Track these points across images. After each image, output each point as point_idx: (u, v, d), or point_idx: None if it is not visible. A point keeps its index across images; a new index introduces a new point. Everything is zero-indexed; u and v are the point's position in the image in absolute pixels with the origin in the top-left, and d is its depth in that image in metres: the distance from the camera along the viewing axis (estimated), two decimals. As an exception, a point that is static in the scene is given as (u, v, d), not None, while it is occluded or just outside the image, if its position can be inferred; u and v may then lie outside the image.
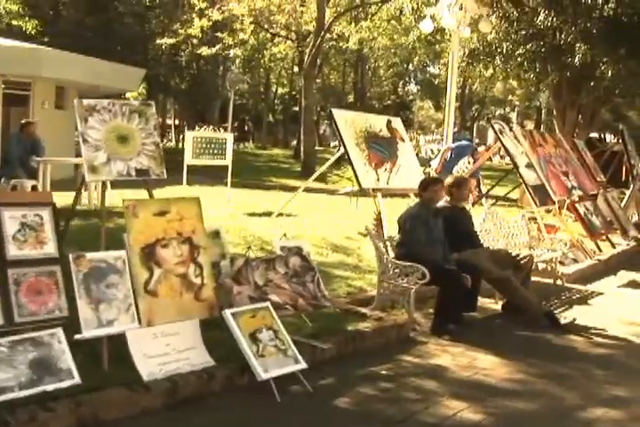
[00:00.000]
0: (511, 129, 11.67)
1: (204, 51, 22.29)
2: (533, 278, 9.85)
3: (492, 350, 6.74)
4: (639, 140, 15.61)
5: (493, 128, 11.16)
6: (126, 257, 5.48)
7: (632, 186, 15.62)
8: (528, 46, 14.31)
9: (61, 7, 28.15)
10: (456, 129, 16.94)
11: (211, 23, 21.00)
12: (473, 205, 16.36)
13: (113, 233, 6.21)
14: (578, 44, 13.47)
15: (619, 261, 12.00)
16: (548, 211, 14.95)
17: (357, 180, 9.68)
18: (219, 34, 22.93)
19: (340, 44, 28.06)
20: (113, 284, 5.26)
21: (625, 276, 11.07)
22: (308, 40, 29.84)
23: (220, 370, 5.40)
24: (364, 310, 7.30)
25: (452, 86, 13.04)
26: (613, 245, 12.73)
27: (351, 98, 43.83)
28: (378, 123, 10.77)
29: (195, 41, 25.37)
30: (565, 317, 8.07)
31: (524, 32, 14.29)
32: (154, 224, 5.81)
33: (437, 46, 19.31)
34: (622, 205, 15.82)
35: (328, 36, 26.75)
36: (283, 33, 28.50)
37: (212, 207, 13.43)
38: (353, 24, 24.91)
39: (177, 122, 54.07)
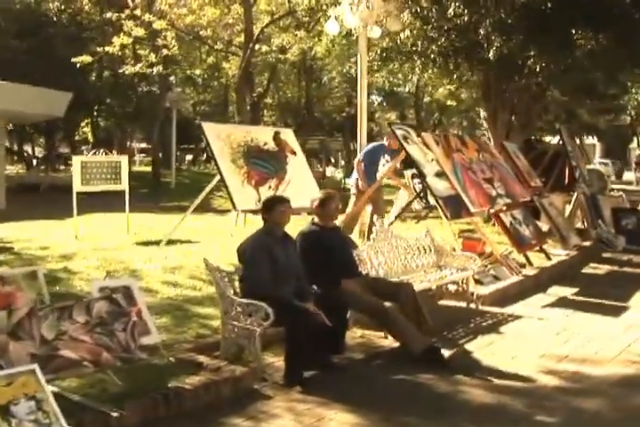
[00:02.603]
0: (419, 134, 10.44)
1: (127, 69, 21.05)
2: (446, 302, 8.80)
3: (350, 405, 5.45)
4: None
5: (395, 134, 9.94)
6: None
7: (577, 189, 14.45)
8: (439, 42, 13.12)
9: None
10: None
11: (131, 40, 19.85)
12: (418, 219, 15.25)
13: None
14: (493, 37, 12.33)
15: (552, 275, 10.73)
16: (487, 221, 13.83)
17: (231, 200, 8.43)
18: (140, 51, 21.80)
19: (280, 57, 26.92)
20: None
21: (556, 292, 9.81)
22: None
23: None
24: (201, 358, 6.03)
25: (363, 91, 11.83)
26: (549, 257, 11.49)
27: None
28: (262, 135, 9.57)
29: (134, 61, 24.21)
30: (452, 352, 6.75)
31: (437, 28, 13.13)
32: None
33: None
34: (569, 210, 14.70)
35: (267, 48, 25.75)
36: (217, 47, 27.41)
37: (105, 236, 12.30)
38: (290, 35, 23.75)
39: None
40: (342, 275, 6.78)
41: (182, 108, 36.49)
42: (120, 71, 21.93)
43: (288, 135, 9.98)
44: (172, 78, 40.87)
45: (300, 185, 9.44)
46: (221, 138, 8.94)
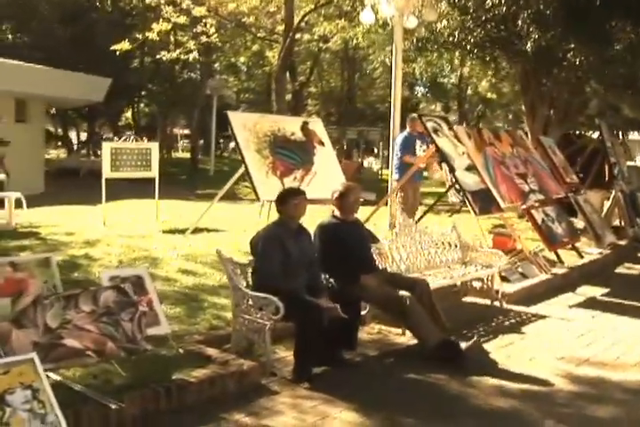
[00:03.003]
0: (451, 128, 10.23)
1: (164, 55, 21.05)
2: (470, 299, 8.63)
3: (356, 403, 5.32)
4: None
5: (425, 127, 9.75)
6: None
7: (615, 187, 14.10)
8: (476, 33, 12.85)
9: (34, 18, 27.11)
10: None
11: (170, 26, 19.82)
12: (452, 213, 15.04)
13: None
14: (531, 29, 12.02)
15: (583, 274, 10.47)
16: (521, 217, 13.55)
17: (255, 191, 8.32)
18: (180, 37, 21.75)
19: (321, 46, 26.75)
20: None
21: (585, 292, 9.56)
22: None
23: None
24: (210, 351, 5.94)
25: (397, 81, 11.60)
26: (581, 255, 11.21)
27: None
28: (289, 125, 9.42)
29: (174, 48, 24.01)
30: (470, 343, 6.56)
31: (474, 18, 12.84)
32: None
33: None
34: (607, 208, 14.38)
35: (309, 37, 25.61)
36: (261, 35, 27.34)
37: (134, 223, 12.26)
38: (332, 24, 23.53)
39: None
40: (359, 269, 6.65)
41: (225, 95, 36.41)
42: (158, 57, 21.86)
43: (317, 125, 9.83)
44: (216, 65, 41.01)
45: (327, 176, 9.30)
46: (247, 127, 8.83)
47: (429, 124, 9.74)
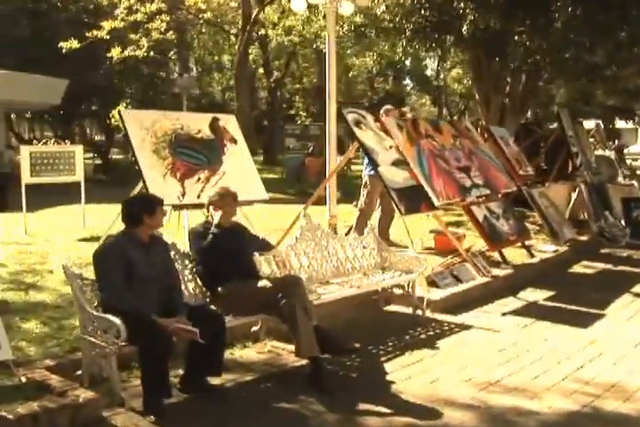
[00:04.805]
0: (377, 119, 9.42)
1: (114, 52, 20.17)
2: (392, 308, 7.86)
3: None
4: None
5: (346, 119, 8.96)
6: None
7: (577, 178, 13.27)
8: (414, 17, 11.98)
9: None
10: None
11: (122, 24, 18.96)
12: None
13: None
14: (467, 11, 11.15)
15: (529, 275, 9.59)
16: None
17: (149, 195, 7.54)
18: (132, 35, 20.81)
19: (288, 40, 25.91)
20: None
21: (526, 296, 8.70)
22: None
23: None
24: (52, 380, 5.16)
25: (332, 70, 10.75)
26: (532, 255, 10.40)
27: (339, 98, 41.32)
28: (195, 122, 8.60)
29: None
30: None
31: (413, 2, 11.99)
32: None
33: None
34: (573, 201, 13.57)
35: (274, 32, 24.79)
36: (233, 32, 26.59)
37: (58, 231, 11.51)
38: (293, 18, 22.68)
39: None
40: (236, 278, 5.93)
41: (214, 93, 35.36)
42: (109, 55, 21.03)
43: (229, 122, 9.01)
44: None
45: (239, 177, 8.51)
46: (144, 126, 8.02)
47: (350, 117, 8.94)
